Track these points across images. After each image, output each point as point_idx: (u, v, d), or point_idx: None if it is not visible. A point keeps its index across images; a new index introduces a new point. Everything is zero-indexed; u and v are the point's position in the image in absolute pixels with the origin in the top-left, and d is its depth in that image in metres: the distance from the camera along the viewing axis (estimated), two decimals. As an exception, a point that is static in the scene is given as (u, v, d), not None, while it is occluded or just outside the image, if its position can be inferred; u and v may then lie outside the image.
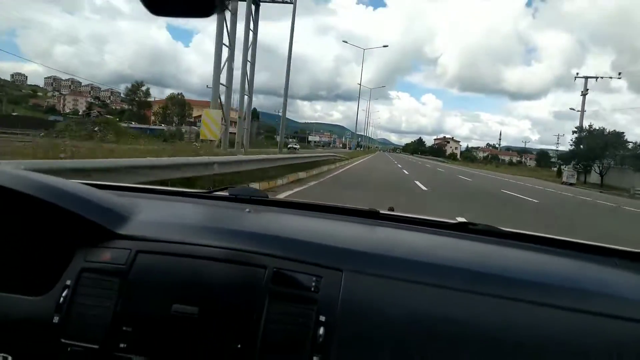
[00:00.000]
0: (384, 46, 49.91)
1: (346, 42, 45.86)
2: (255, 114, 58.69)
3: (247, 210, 1.15)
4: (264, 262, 0.83)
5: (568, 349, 0.71)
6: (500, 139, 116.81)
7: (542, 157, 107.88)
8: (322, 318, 0.76)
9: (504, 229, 1.11)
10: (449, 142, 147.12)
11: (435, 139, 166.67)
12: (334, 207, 1.25)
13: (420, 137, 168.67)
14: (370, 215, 1.19)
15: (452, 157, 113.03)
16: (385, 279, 0.81)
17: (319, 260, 0.84)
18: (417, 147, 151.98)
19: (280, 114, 25.85)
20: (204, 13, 0.38)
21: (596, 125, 44.60)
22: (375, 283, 0.81)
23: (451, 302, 0.77)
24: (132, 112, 78.25)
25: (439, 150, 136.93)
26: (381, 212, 1.20)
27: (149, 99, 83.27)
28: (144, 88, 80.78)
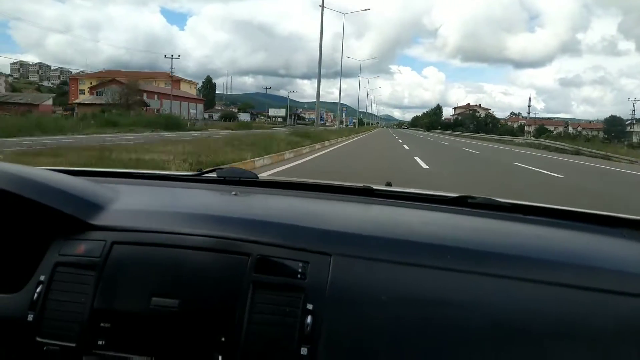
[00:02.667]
0: (366, 9, 42.44)
1: (323, 6, 32.83)
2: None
3: (234, 193, 1.11)
4: (247, 250, 0.79)
5: (576, 330, 0.67)
6: (529, 106, 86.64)
7: (613, 126, 76.65)
8: (310, 306, 0.73)
9: (504, 200, 1.05)
10: (477, 112, 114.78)
11: (455, 109, 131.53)
12: (327, 185, 1.23)
13: (438, 106, 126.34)
14: (365, 193, 1.15)
15: (488, 130, 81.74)
16: (377, 262, 0.76)
17: (305, 244, 0.79)
18: (433, 120, 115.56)
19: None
20: None
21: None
22: (367, 267, 0.76)
23: (450, 284, 0.73)
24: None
25: (458, 122, 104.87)
26: (376, 188, 1.16)
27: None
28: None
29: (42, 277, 0.80)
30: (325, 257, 0.77)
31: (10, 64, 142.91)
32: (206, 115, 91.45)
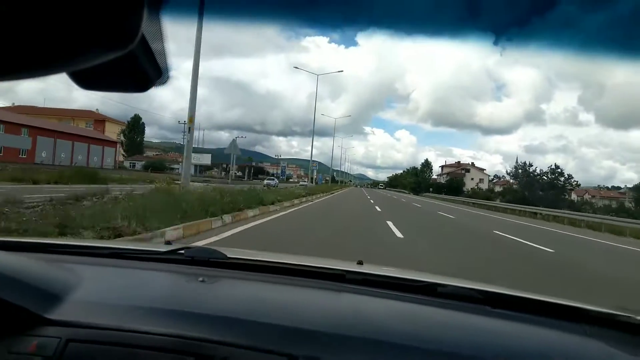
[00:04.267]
0: (339, 71, 44.88)
1: (298, 67, 45.84)
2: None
3: (201, 279, 1.05)
4: (210, 351, 0.73)
5: None
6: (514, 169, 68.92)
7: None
8: None
9: (475, 287, 1.06)
10: (468, 171, 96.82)
11: (442, 167, 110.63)
12: (298, 268, 1.17)
13: (427, 161, 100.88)
14: (336, 278, 1.13)
15: (475, 194, 62.17)
16: None
17: (272, 345, 0.75)
18: (420, 180, 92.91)
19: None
20: (141, 88, 0.35)
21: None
22: None
23: None
24: None
25: (453, 184, 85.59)
26: (348, 271, 1.14)
27: None
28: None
29: None
30: None
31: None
32: (128, 164, 70.75)
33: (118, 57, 0.27)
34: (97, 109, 77.44)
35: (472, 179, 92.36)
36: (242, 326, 0.79)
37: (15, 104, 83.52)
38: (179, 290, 1.03)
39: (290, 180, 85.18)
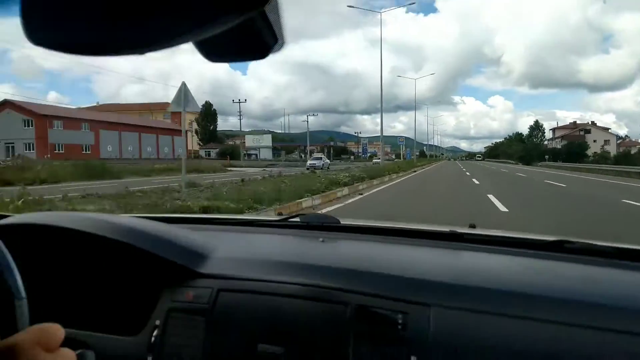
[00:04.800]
0: (411, 3, 35.21)
1: (352, 6, 33.99)
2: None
3: (321, 239, 1.15)
4: (345, 299, 0.80)
5: None
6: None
7: None
8: (414, 358, 0.72)
9: (607, 244, 0.98)
10: (588, 132, 79.70)
11: (554, 130, 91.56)
12: (411, 230, 1.21)
13: (537, 124, 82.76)
14: (452, 238, 1.12)
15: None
16: (478, 314, 0.75)
17: (403, 295, 0.79)
18: (530, 148, 73.95)
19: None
20: (261, 55, 0.36)
21: None
22: (465, 318, 0.74)
23: (547, 336, 0.70)
24: None
25: (574, 149, 70.11)
26: (464, 232, 1.12)
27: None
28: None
29: (157, 322, 0.86)
30: (425, 308, 0.76)
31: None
32: (203, 153, 68.37)
33: (241, 25, 0.28)
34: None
35: (594, 140, 76.29)
36: (371, 277, 0.83)
37: (100, 103, 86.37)
38: (306, 248, 1.13)
39: (374, 158, 77.93)
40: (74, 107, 54.67)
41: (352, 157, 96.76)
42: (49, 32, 0.26)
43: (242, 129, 67.39)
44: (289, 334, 0.79)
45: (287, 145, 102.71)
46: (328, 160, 42.61)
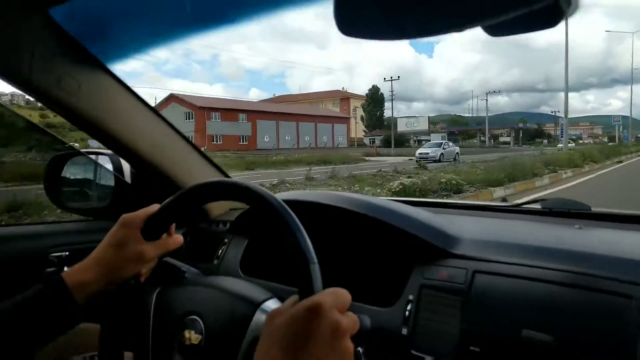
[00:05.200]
0: None
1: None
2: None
3: (577, 226, 1.05)
4: (624, 291, 0.71)
5: None
6: None
7: None
8: None
9: None
10: None
11: None
12: None
13: None
14: None
15: None
16: None
17: None
18: None
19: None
20: (551, 23, 0.33)
21: None
22: None
23: None
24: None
25: None
26: None
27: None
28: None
29: (410, 297, 0.87)
30: None
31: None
32: (367, 140, 63.11)
33: None
34: (343, 87, 73.24)
35: None
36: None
37: (276, 95, 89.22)
38: (563, 234, 1.03)
39: (581, 141, 60.96)
40: (237, 99, 55.89)
41: (545, 140, 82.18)
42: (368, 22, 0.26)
43: (424, 114, 59.97)
44: (561, 324, 0.73)
45: (466, 129, 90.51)
46: (455, 147, 33.09)
